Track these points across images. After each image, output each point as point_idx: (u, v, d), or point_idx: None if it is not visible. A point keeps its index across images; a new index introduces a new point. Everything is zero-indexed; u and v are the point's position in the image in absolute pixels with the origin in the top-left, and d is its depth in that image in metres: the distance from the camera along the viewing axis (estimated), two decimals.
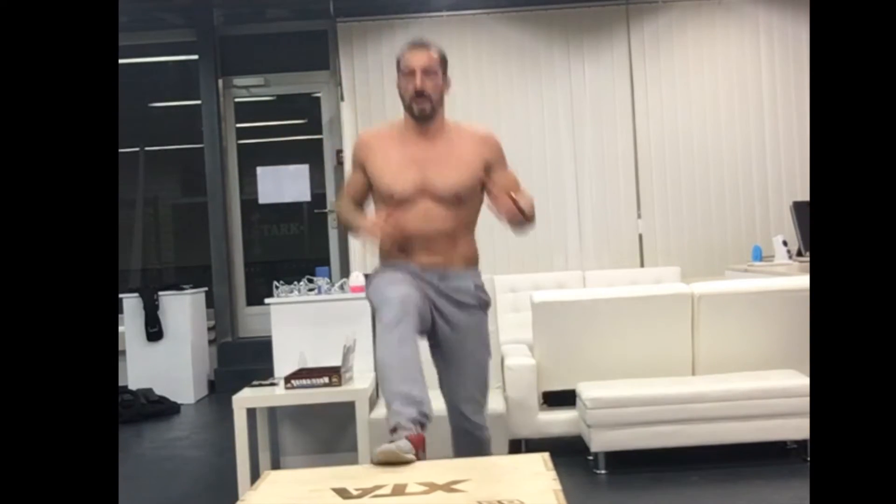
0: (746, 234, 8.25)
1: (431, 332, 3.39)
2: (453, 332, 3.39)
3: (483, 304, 3.48)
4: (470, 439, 3.45)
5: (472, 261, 3.49)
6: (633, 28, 8.39)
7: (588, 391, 4.71)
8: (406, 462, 2.79)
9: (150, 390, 7.41)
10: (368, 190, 3.47)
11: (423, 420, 2.99)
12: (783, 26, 8.38)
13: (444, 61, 3.40)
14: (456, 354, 3.41)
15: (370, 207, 3.54)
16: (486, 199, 3.47)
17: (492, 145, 3.46)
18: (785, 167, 8.36)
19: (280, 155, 9.12)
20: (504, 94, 8.40)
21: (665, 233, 8.40)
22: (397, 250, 3.37)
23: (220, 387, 8.01)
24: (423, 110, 3.34)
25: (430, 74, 3.33)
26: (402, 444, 2.83)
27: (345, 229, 3.55)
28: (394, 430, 2.93)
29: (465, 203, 3.40)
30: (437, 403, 3.49)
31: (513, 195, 3.20)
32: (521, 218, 3.23)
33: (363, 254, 7.74)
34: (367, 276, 3.54)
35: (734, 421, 4.62)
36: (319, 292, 5.35)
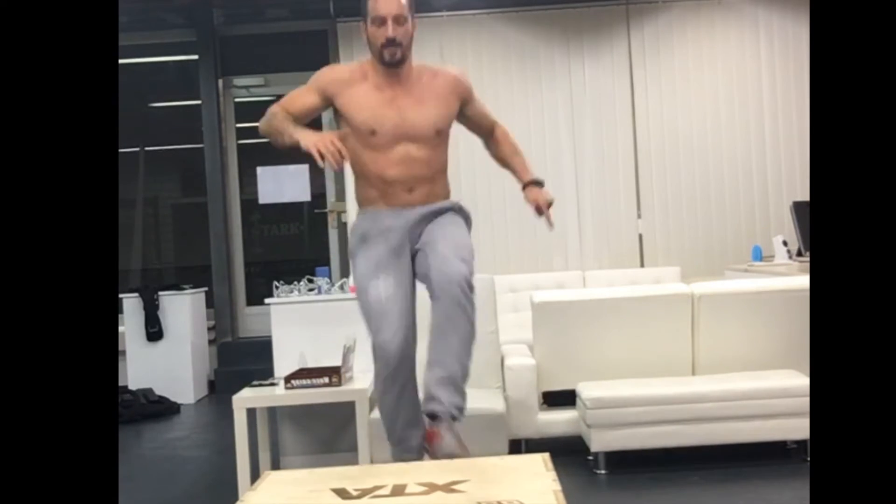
0: (746, 234, 8.25)
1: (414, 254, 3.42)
2: (431, 228, 3.38)
3: (459, 207, 3.50)
4: (454, 302, 3.21)
5: (447, 197, 3.54)
6: (633, 28, 8.39)
7: (588, 391, 4.70)
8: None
9: (150, 390, 7.41)
10: (310, 116, 3.43)
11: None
12: (783, 26, 8.38)
13: (411, 5, 3.40)
14: (435, 234, 3.35)
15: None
16: (467, 128, 3.65)
17: (462, 83, 3.53)
18: (785, 167, 8.37)
19: (280, 155, 9.09)
20: (504, 94, 8.39)
21: (665, 233, 8.40)
22: (377, 194, 3.40)
23: (220, 387, 8.01)
24: (394, 55, 3.34)
25: (401, 21, 3.34)
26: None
27: (273, 137, 3.36)
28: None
29: (443, 142, 3.45)
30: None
31: (545, 209, 3.49)
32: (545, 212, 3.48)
33: None
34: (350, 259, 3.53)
35: (734, 421, 4.62)
36: (319, 292, 5.35)
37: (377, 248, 3.36)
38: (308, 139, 3.18)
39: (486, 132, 3.66)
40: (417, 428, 3.33)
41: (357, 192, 3.50)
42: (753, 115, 8.41)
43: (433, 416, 3.16)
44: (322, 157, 3.10)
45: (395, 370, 3.22)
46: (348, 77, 3.44)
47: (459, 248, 3.29)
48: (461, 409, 3.18)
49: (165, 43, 8.93)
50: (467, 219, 3.53)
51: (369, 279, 3.31)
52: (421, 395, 3.32)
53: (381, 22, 3.32)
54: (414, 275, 3.40)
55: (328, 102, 3.44)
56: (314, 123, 3.53)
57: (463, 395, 3.23)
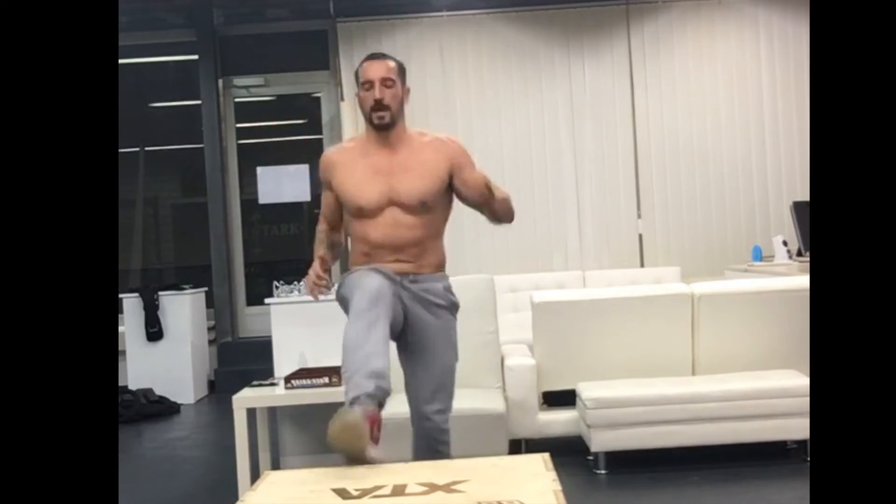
0: (746, 234, 8.26)
1: (401, 334, 3.43)
2: (421, 334, 3.42)
3: (452, 305, 3.50)
4: (430, 445, 3.45)
5: (441, 267, 3.53)
6: (633, 28, 8.39)
7: (588, 391, 4.70)
8: (362, 445, 2.82)
9: (150, 390, 7.41)
10: (338, 209, 3.52)
11: (381, 395, 3.02)
12: (783, 26, 8.39)
13: (402, 71, 3.46)
14: (423, 355, 3.43)
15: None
16: (458, 199, 3.51)
17: (454, 149, 3.48)
18: (785, 167, 8.37)
19: (280, 155, 9.12)
20: (504, 94, 8.40)
21: (665, 233, 8.40)
22: (365, 259, 3.42)
23: (220, 387, 8.01)
24: (383, 119, 3.38)
25: (389, 84, 3.38)
26: (357, 414, 2.88)
27: None
28: (352, 402, 2.98)
29: (431, 210, 3.42)
30: (404, 406, 3.57)
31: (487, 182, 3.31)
32: (490, 199, 3.32)
33: None
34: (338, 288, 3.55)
35: (734, 421, 4.62)
36: None
37: (371, 271, 3.37)
38: (308, 276, 3.46)
39: (480, 198, 3.41)
40: (380, 357, 3.09)
41: (349, 258, 3.53)
42: (753, 115, 8.41)
43: None
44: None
45: (371, 303, 3.13)
46: (337, 158, 3.52)
47: (442, 383, 3.43)
48: None
49: (165, 43, 8.93)
50: (456, 312, 3.53)
51: (359, 279, 3.30)
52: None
53: (370, 86, 3.39)
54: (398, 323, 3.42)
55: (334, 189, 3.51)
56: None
57: None
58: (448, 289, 3.50)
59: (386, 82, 3.37)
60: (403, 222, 3.37)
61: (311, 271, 3.43)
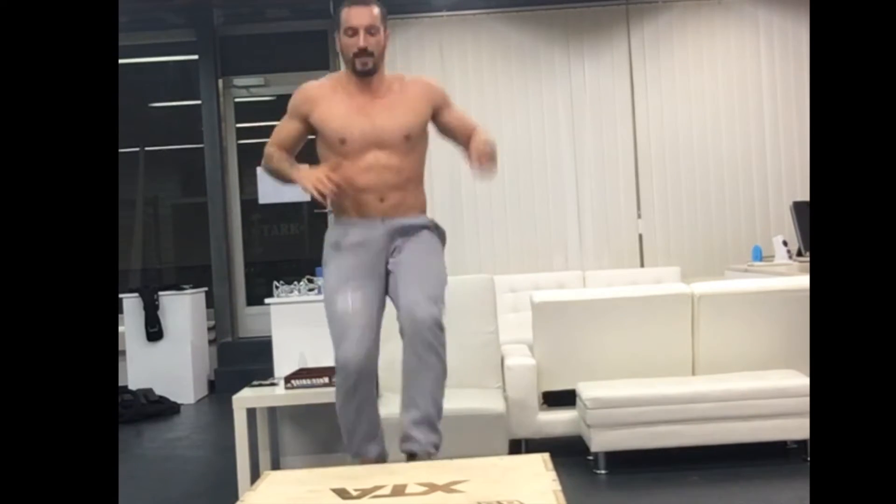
0: (746, 234, 8.25)
1: (387, 275, 3.45)
2: (406, 255, 3.42)
3: (432, 225, 3.53)
4: (424, 343, 3.23)
5: (422, 210, 3.56)
6: (633, 28, 8.39)
7: (588, 391, 4.70)
8: None
9: (150, 390, 7.41)
10: (298, 142, 3.54)
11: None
12: (783, 26, 8.39)
13: (384, 16, 3.47)
14: (409, 263, 3.41)
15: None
16: (442, 135, 3.58)
17: (434, 89, 3.55)
18: (785, 167, 8.36)
19: None
20: (504, 94, 8.39)
21: (665, 233, 8.40)
22: (350, 203, 3.44)
23: (220, 387, 8.01)
24: (366, 66, 3.41)
25: (373, 32, 3.40)
26: None
27: (274, 178, 3.58)
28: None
29: (414, 147, 3.46)
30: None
31: (483, 146, 3.34)
32: (492, 164, 3.34)
33: None
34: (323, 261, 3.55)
35: (734, 421, 4.62)
36: (319, 292, 5.35)
37: (348, 261, 3.41)
38: (305, 181, 3.33)
39: (467, 140, 3.50)
40: (375, 442, 3.39)
41: (332, 202, 3.51)
42: (753, 115, 8.41)
43: (411, 455, 3.26)
44: (323, 196, 3.26)
45: (355, 384, 3.26)
46: (319, 93, 3.51)
47: (432, 283, 3.35)
48: (437, 446, 3.29)
49: (165, 43, 8.93)
50: (442, 237, 3.57)
51: (337, 291, 3.35)
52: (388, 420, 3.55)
53: (354, 32, 3.39)
54: (385, 290, 3.45)
55: (307, 123, 3.50)
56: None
57: (438, 433, 3.32)
58: (430, 220, 3.55)
59: (370, 30, 3.39)
60: (387, 164, 3.39)
61: (315, 181, 3.27)
